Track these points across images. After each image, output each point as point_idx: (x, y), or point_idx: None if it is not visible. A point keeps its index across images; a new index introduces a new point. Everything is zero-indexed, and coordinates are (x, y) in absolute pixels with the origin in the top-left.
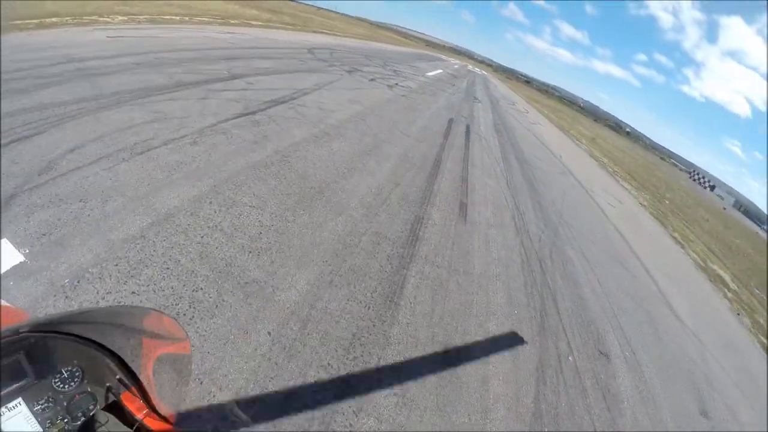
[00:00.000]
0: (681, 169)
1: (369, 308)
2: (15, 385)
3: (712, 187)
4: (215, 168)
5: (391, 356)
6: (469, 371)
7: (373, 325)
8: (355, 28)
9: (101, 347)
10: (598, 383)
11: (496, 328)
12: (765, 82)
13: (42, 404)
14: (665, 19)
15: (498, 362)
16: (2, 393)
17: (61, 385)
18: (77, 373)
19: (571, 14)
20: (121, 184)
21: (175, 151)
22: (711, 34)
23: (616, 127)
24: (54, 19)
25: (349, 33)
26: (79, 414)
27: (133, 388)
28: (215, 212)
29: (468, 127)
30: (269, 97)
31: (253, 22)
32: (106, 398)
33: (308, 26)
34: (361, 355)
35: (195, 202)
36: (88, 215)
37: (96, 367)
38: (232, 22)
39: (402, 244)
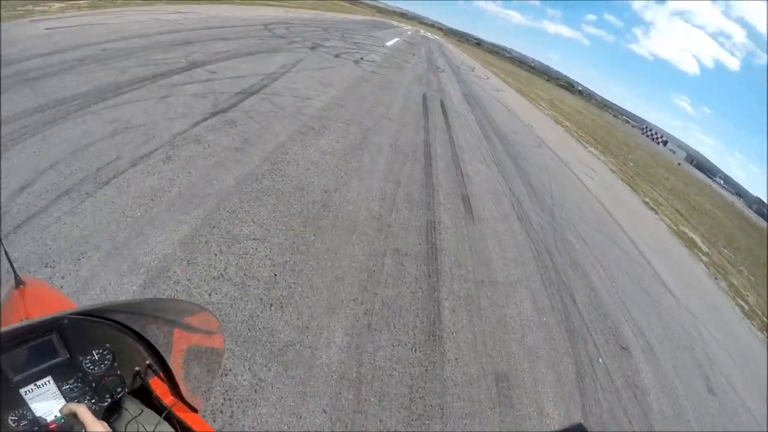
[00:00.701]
0: (633, 126)
1: (416, 350)
2: (45, 364)
3: (665, 142)
4: (200, 191)
5: (452, 402)
6: (523, 400)
7: (426, 371)
8: None
9: (133, 332)
10: (627, 381)
11: (533, 342)
12: (712, 40)
13: (71, 383)
14: None
15: (544, 380)
16: (33, 371)
17: (91, 367)
18: (108, 356)
19: None
20: (92, 231)
21: (147, 173)
22: None
23: (568, 86)
24: None
25: (298, 3)
26: (107, 395)
27: (162, 374)
28: (215, 255)
29: (443, 103)
30: (238, 87)
31: None
32: (133, 382)
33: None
34: (424, 411)
35: (188, 245)
36: (61, 287)
37: (127, 352)
38: None
39: (424, 259)
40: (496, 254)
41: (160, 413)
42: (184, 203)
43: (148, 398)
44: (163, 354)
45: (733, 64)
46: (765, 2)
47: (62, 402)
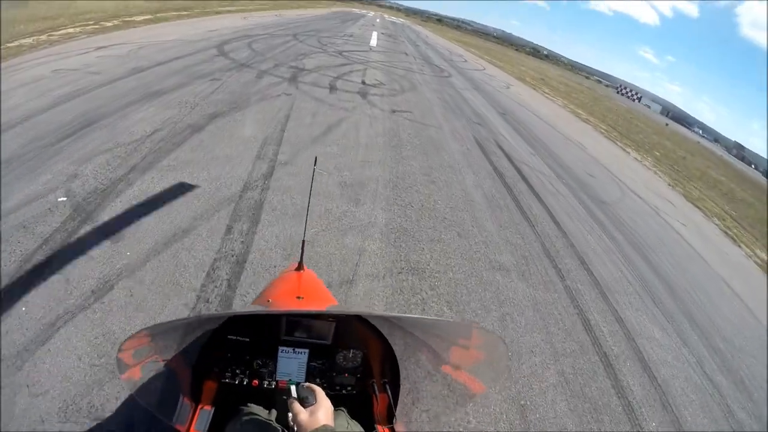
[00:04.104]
0: (606, 85)
1: None
2: (312, 340)
3: (639, 98)
4: None
5: None
6: None
7: None
8: None
9: (389, 347)
10: None
11: None
12: None
13: (318, 363)
14: None
15: None
16: (299, 339)
17: (342, 360)
18: (359, 358)
19: None
20: None
21: None
22: None
23: (535, 52)
24: None
25: (253, 4)
26: (337, 387)
27: (390, 395)
28: None
29: (503, 150)
30: (170, 300)
31: (137, 19)
32: (362, 389)
33: (207, 8)
34: None
35: None
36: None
37: (375, 362)
38: (108, 25)
39: None
40: None
41: (363, 425)
42: None
43: (365, 408)
44: (403, 377)
45: (692, 10)
46: None
47: (303, 372)
